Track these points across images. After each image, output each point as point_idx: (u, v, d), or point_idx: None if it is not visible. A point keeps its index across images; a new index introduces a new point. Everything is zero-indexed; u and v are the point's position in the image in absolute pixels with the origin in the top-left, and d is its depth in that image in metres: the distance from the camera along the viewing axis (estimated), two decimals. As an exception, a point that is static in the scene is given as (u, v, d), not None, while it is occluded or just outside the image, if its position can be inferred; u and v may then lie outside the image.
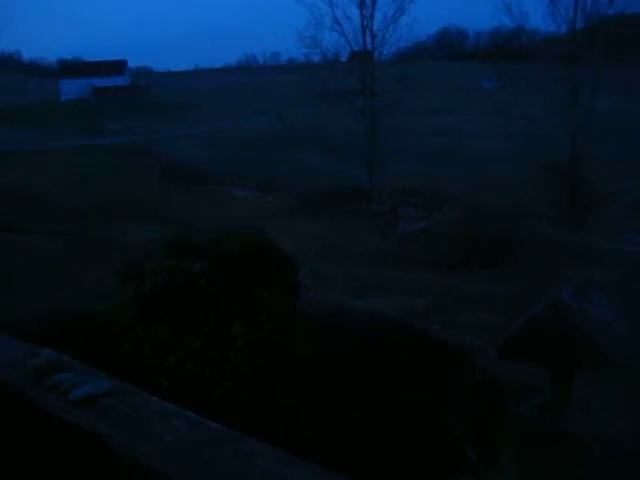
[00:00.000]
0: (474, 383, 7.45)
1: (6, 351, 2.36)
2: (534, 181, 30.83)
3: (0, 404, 2.15)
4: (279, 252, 6.94)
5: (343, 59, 45.06)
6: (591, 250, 22.02)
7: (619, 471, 6.78)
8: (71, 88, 77.30)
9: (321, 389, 6.56)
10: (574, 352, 5.72)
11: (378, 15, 40.84)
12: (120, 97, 76.01)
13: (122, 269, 7.18)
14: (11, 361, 2.23)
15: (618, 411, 7.65)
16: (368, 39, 40.78)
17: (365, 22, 40.50)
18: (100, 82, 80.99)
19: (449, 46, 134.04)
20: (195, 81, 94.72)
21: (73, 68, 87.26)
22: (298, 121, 57.48)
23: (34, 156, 42.15)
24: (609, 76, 30.38)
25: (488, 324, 10.39)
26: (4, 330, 2.81)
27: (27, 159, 40.85)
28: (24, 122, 56.11)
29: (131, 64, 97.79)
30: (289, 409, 6.26)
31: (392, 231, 26.28)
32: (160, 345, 6.70)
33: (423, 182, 36.05)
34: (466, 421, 7.13)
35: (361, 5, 40.07)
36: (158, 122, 61.54)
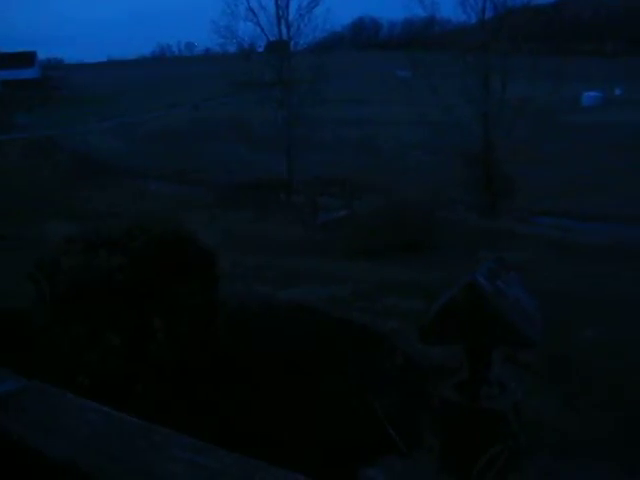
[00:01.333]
0: (396, 367, 7.59)
1: None
2: (450, 168, 31.55)
3: None
4: (197, 244, 6.89)
5: (260, 49, 44.89)
6: (505, 233, 22.77)
7: (536, 443, 7.06)
8: (-25, 81, 74.01)
9: (245, 380, 6.56)
10: (490, 332, 5.88)
11: (293, 5, 40.91)
12: (30, 90, 73.26)
13: (37, 267, 6.98)
14: None
15: (532, 387, 7.96)
16: (283, 29, 40.73)
17: (280, 12, 40.42)
18: (7, 74, 77.79)
19: (364, 36, 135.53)
20: (109, 73, 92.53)
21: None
22: (215, 112, 56.97)
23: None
24: (518, 64, 31.35)
25: (409, 309, 10.60)
26: None
27: None
28: None
29: (41, 56, 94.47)
30: (212, 401, 6.24)
31: (312, 221, 26.41)
32: (79, 343, 6.55)
33: (342, 171, 36.36)
34: (391, 404, 7.25)
35: (276, -5, 39.96)
36: (71, 116, 59.84)
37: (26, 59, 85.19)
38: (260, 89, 39.99)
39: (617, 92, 67.58)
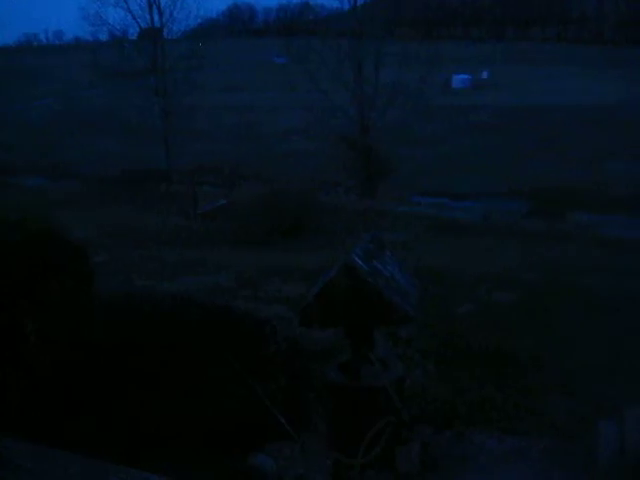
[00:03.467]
0: (281, 352, 7.62)
1: None
2: (330, 152, 31.94)
3: None
4: (68, 240, 6.62)
5: (133, 37, 43.52)
6: (384, 214, 23.38)
7: (419, 415, 7.32)
8: None
9: (124, 375, 6.40)
10: (368, 311, 6.01)
11: (165, -9, 39.78)
12: None
13: None
14: None
15: (413, 361, 8.23)
16: (156, 16, 39.64)
17: (151, -2, 39.30)
18: None
19: (239, 22, 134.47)
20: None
21: None
22: (89, 102, 55.08)
23: None
24: (391, 50, 32.13)
25: (292, 293, 10.71)
26: None
27: None
28: None
29: None
30: (92, 400, 6.05)
31: (193, 211, 26.05)
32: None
33: (222, 159, 36.08)
34: (277, 390, 7.29)
35: (146, -20, 38.82)
36: None
37: None
38: (134, 78, 38.88)
39: (484, 75, 70.48)
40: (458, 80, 66.46)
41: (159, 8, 39.46)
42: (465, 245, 17.88)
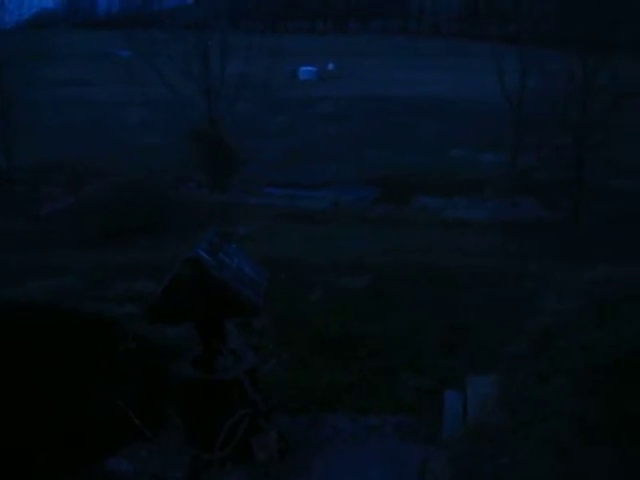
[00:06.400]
0: (132, 352, 7.47)
1: None
2: (180, 147, 31.49)
3: None
4: None
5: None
6: (236, 207, 23.41)
7: (276, 404, 7.42)
8: None
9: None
10: (216, 304, 6.03)
11: (-9, -22, 37.44)
12: None
13: None
14: None
15: (266, 352, 8.32)
16: (-14, 5, 37.25)
17: (-22, -15, 36.88)
18: None
19: (80, 13, 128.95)
20: None
21: None
22: None
23: None
24: (237, 42, 32.10)
25: (144, 291, 10.46)
26: None
27: None
28: None
29: None
30: None
31: (37, 212, 24.82)
32: None
33: (68, 157, 34.59)
34: (130, 390, 7.15)
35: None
36: None
37: None
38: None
39: (330, 67, 71.82)
40: (304, 72, 67.25)
41: (-11, -3, 37.16)
42: (316, 233, 18.25)
